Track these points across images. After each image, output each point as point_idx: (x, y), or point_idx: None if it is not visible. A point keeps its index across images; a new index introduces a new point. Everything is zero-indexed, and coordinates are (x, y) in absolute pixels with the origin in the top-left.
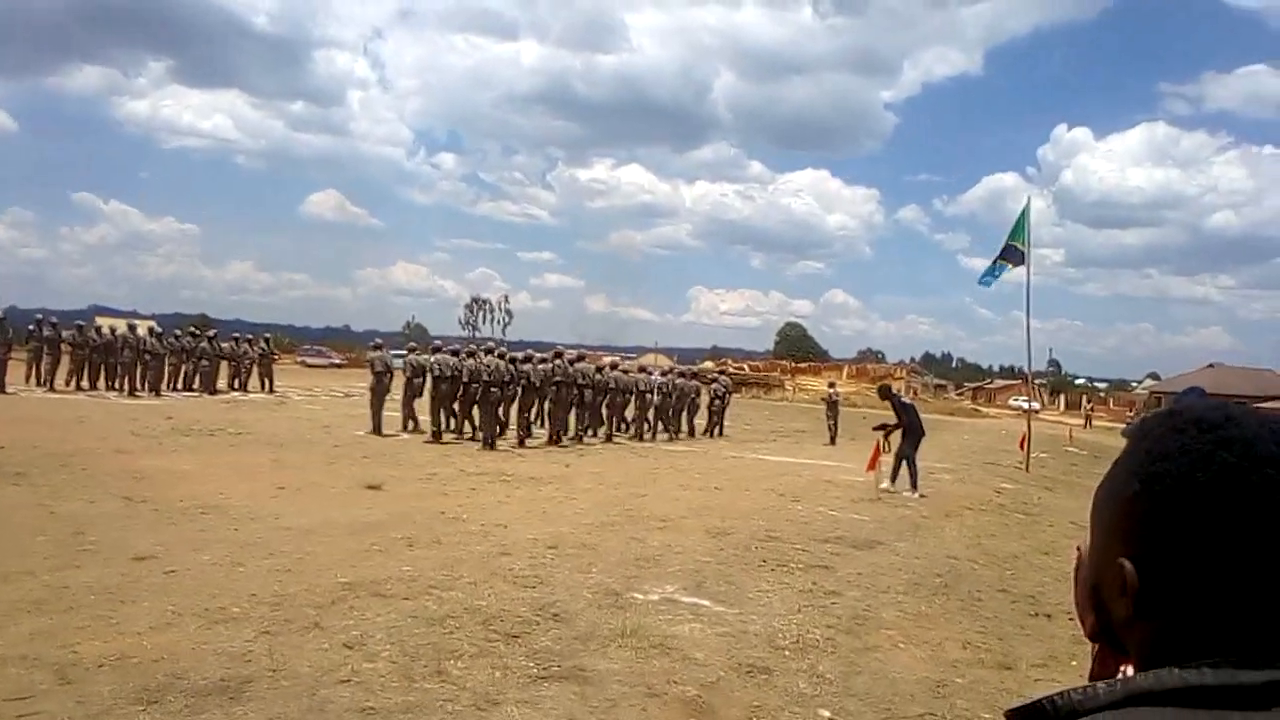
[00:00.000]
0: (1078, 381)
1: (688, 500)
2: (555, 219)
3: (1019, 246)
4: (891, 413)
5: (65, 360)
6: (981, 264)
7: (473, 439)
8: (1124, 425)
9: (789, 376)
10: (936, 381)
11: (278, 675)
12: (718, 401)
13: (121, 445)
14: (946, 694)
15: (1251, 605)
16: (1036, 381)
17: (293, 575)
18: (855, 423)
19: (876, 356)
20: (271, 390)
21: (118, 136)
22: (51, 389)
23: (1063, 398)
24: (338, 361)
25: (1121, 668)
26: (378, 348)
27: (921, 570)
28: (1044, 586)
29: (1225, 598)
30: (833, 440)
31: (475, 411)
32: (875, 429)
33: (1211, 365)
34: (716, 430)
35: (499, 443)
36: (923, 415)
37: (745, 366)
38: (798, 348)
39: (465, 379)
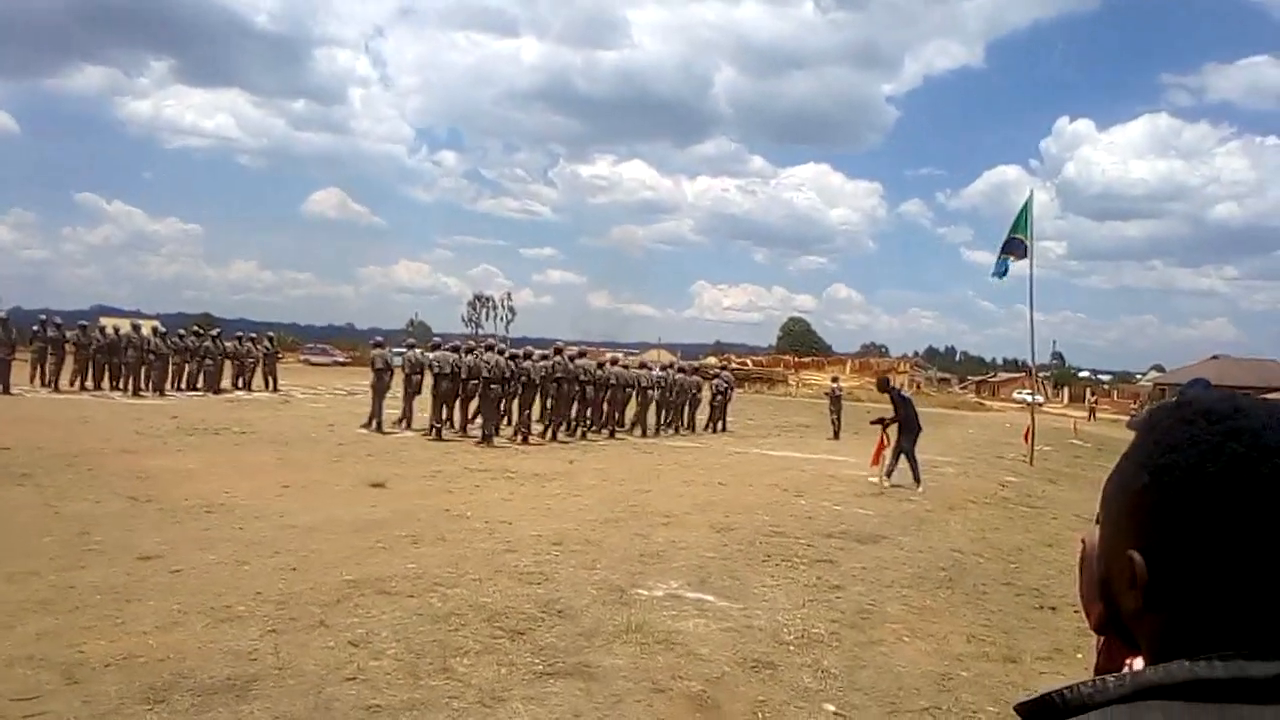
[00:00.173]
0: (1082, 374)
1: (691, 496)
2: (557, 215)
3: (1022, 239)
4: (891, 406)
5: (69, 361)
6: (984, 257)
7: (463, 431)
8: (1129, 418)
9: (792, 371)
10: (940, 375)
11: (284, 673)
12: (719, 397)
13: (126, 445)
14: (951, 687)
15: (1262, 597)
16: (1040, 374)
17: (298, 573)
18: (859, 417)
19: (880, 351)
20: (276, 389)
21: (120, 136)
22: (56, 389)
23: (1067, 390)
24: (341, 360)
25: (1128, 660)
26: (379, 345)
27: (926, 564)
28: (1048, 579)
29: (1235, 590)
30: (836, 435)
31: (474, 407)
32: (873, 422)
33: (1216, 357)
34: (719, 425)
35: (498, 440)
36: (926, 409)
37: (748, 361)
38: (801, 342)
39: (464, 375)
